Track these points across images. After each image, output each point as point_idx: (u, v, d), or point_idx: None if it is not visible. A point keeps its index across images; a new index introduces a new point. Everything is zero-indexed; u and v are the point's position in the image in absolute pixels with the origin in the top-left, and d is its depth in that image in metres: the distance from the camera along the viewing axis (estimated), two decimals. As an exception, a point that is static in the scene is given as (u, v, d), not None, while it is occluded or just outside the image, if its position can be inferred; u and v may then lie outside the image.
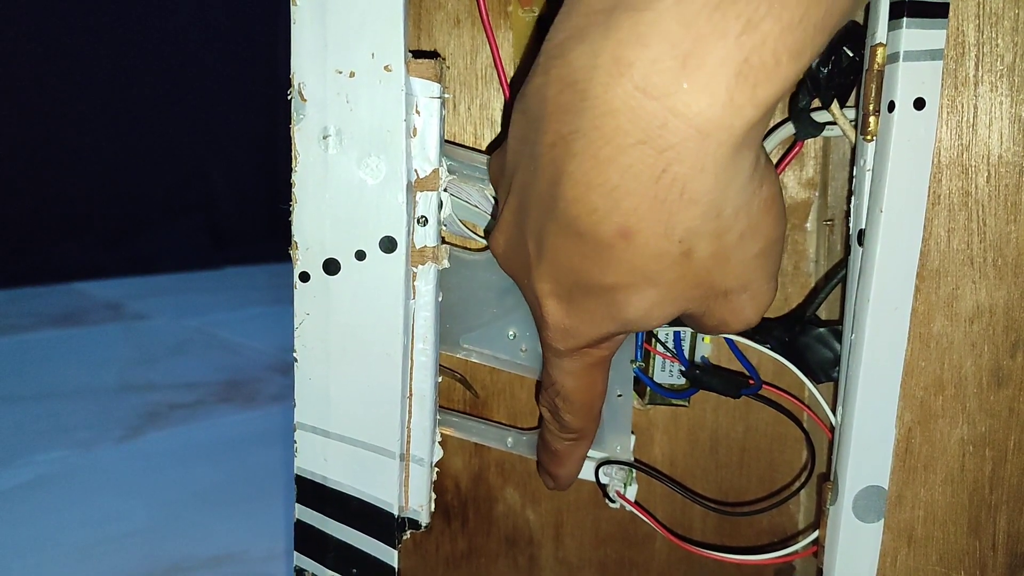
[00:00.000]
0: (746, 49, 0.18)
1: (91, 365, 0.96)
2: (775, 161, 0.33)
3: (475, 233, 0.32)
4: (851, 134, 0.29)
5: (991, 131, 0.28)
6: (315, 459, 0.29)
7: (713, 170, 0.20)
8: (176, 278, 1.49)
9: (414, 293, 0.29)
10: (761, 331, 0.32)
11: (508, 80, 0.32)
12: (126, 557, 0.52)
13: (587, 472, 0.33)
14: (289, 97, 0.27)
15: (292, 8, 0.26)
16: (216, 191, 1.65)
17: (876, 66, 0.27)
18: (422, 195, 0.28)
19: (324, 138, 0.27)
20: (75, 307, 1.23)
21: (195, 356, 1.00)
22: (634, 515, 0.33)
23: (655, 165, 0.20)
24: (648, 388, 0.33)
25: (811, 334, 0.31)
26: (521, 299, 0.31)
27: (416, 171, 0.28)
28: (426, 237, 0.29)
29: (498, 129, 0.34)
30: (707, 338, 0.33)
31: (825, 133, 0.30)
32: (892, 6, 0.26)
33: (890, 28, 0.27)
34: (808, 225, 0.35)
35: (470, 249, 0.32)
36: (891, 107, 0.27)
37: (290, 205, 0.28)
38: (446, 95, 0.29)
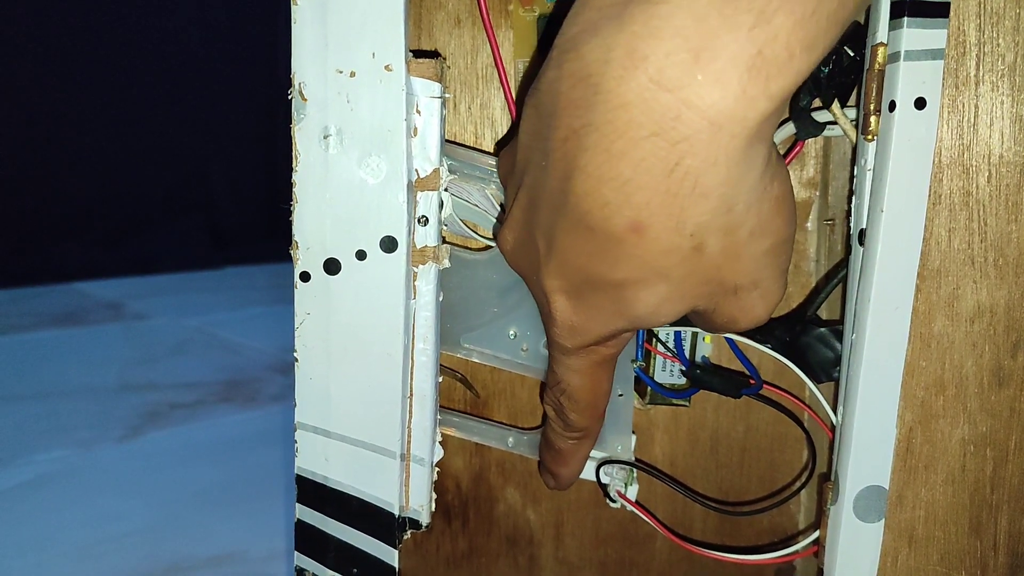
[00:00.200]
0: (759, 42, 0.18)
1: (91, 365, 0.96)
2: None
3: (476, 233, 0.32)
4: (852, 134, 0.29)
5: (992, 131, 0.28)
6: (316, 459, 0.29)
7: (726, 163, 0.20)
8: (176, 278, 1.49)
9: (415, 293, 0.29)
10: (762, 331, 0.32)
11: (513, 91, 0.32)
12: (126, 557, 0.52)
13: (588, 472, 0.33)
14: (289, 97, 0.27)
15: (292, 8, 0.26)
16: (216, 191, 1.65)
17: (877, 66, 0.27)
18: (423, 195, 0.28)
19: (325, 138, 0.27)
20: (75, 307, 1.24)
21: (195, 356, 1.00)
22: (635, 515, 0.33)
23: (668, 158, 0.20)
24: (649, 388, 0.33)
25: (812, 334, 0.31)
26: (522, 299, 0.31)
27: (417, 171, 0.28)
28: (427, 237, 0.29)
29: (498, 129, 0.34)
30: (707, 338, 0.33)
31: (826, 133, 0.30)
32: (893, 6, 0.26)
33: (891, 28, 0.27)
34: (809, 225, 0.35)
35: (471, 249, 0.32)
36: (892, 107, 0.27)
37: (291, 205, 0.28)
38: (447, 95, 0.29)
